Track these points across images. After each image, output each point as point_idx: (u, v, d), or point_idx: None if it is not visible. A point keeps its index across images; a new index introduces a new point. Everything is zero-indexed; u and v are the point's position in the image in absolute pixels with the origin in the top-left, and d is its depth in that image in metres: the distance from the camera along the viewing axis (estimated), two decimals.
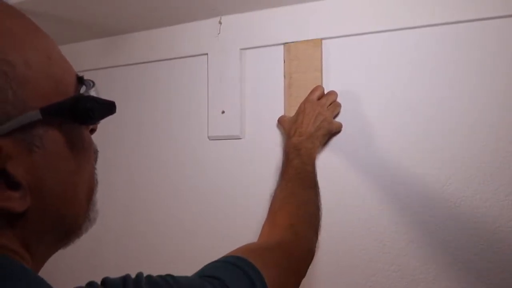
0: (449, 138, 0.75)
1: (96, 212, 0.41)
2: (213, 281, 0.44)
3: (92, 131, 0.42)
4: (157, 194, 1.01)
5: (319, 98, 0.81)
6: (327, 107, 0.80)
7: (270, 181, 0.86)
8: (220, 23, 0.94)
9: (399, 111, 0.79)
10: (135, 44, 1.04)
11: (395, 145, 0.79)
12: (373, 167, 0.80)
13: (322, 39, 0.85)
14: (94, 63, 1.09)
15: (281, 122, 0.87)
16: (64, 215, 0.37)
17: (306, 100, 0.81)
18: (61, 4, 0.87)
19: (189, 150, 0.98)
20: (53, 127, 0.34)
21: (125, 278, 0.39)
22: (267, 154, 0.89)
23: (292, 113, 0.85)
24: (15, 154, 0.32)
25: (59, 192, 0.36)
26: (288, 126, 0.82)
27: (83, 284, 0.36)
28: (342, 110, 0.83)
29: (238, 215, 0.91)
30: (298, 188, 0.71)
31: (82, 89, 0.38)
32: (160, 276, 0.41)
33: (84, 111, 0.35)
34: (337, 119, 0.83)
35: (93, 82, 0.39)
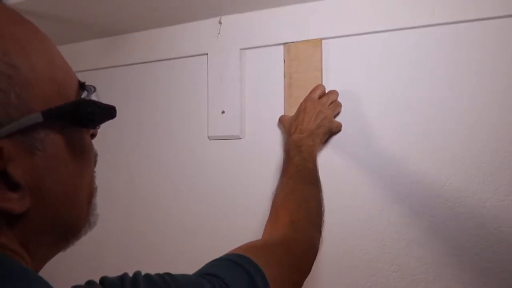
0: (449, 138, 0.75)
1: (96, 216, 0.42)
2: (212, 279, 0.44)
3: (93, 136, 0.42)
4: (157, 194, 1.01)
5: (320, 97, 0.81)
6: (328, 106, 0.80)
7: (270, 181, 0.86)
8: (220, 23, 0.94)
9: (399, 111, 0.79)
10: (135, 44, 1.04)
11: (395, 145, 0.79)
12: (373, 167, 0.80)
13: (322, 39, 0.85)
14: (94, 63, 1.09)
15: (281, 121, 0.87)
16: (64, 217, 0.37)
17: (307, 98, 0.81)
18: (61, 4, 0.87)
19: (189, 150, 0.98)
20: (54, 130, 0.35)
21: (123, 277, 0.39)
22: (267, 154, 0.89)
23: (292, 113, 0.85)
24: (16, 155, 0.32)
25: (59, 194, 0.36)
26: (288, 124, 0.82)
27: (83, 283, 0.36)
28: (342, 110, 0.83)
29: (238, 215, 0.91)
30: (299, 185, 0.71)
31: (83, 94, 0.39)
32: (158, 275, 0.41)
33: (85, 114, 0.35)
34: (337, 119, 0.83)
35: (94, 88, 0.40)
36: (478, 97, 0.74)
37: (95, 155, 0.42)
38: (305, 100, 0.81)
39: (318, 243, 0.66)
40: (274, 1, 0.86)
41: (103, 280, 0.38)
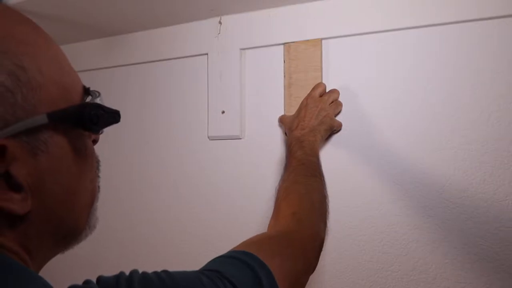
0: (449, 138, 0.75)
1: (96, 219, 0.42)
2: (211, 274, 0.44)
3: (94, 141, 0.43)
4: (157, 194, 1.01)
5: (321, 95, 0.81)
6: (329, 104, 0.80)
7: (270, 181, 0.86)
8: (220, 23, 0.94)
9: (399, 111, 0.79)
10: (135, 44, 1.04)
11: (395, 146, 0.79)
12: (373, 168, 0.80)
13: (322, 39, 0.85)
14: (94, 63, 1.09)
15: (282, 120, 0.87)
16: (65, 220, 0.37)
17: (308, 96, 0.81)
18: (61, 4, 0.87)
19: (189, 150, 0.98)
20: (58, 133, 0.35)
21: (119, 276, 0.39)
22: (267, 154, 0.89)
23: (292, 112, 0.85)
24: (20, 156, 0.32)
25: (61, 197, 0.36)
26: (289, 121, 0.82)
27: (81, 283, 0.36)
28: (342, 110, 0.83)
29: (238, 215, 0.91)
30: (300, 177, 0.71)
31: (88, 99, 0.40)
32: (155, 272, 0.41)
33: (90, 117, 0.36)
34: (337, 118, 0.83)
35: (99, 93, 0.41)
36: (478, 97, 0.74)
37: (97, 161, 0.43)
38: (306, 98, 0.81)
39: (323, 233, 0.65)
40: (274, 1, 0.86)
41: (99, 279, 0.38)
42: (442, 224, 0.74)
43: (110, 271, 0.42)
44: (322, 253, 0.81)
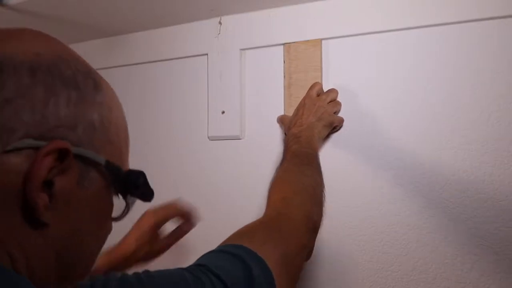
0: (449, 138, 0.75)
1: (95, 265, 0.41)
2: (195, 268, 0.43)
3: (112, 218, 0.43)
4: (157, 194, 1.00)
5: (318, 95, 0.81)
6: (327, 103, 0.80)
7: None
8: (220, 23, 0.94)
9: (398, 111, 0.79)
10: (135, 44, 1.04)
11: (395, 146, 0.79)
12: (373, 168, 0.80)
13: (321, 39, 0.85)
14: (94, 63, 1.07)
15: (281, 120, 0.87)
16: (71, 255, 0.36)
17: (306, 96, 0.81)
18: (61, 4, 0.87)
19: (189, 150, 0.98)
20: (102, 180, 0.36)
21: (96, 278, 0.38)
22: (267, 154, 0.89)
23: (292, 113, 0.85)
24: (70, 173, 0.33)
25: (75, 234, 0.35)
26: (288, 121, 0.82)
27: None
28: (341, 110, 0.83)
29: (238, 215, 0.91)
30: (293, 166, 0.70)
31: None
32: (135, 273, 0.41)
33: (132, 184, 0.39)
34: None
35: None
36: (478, 97, 0.74)
37: (110, 229, 0.44)
38: (304, 98, 0.81)
39: (317, 216, 0.63)
40: (274, 1, 0.86)
41: (76, 285, 0.37)
42: (442, 224, 0.74)
43: None
44: (322, 253, 0.81)
